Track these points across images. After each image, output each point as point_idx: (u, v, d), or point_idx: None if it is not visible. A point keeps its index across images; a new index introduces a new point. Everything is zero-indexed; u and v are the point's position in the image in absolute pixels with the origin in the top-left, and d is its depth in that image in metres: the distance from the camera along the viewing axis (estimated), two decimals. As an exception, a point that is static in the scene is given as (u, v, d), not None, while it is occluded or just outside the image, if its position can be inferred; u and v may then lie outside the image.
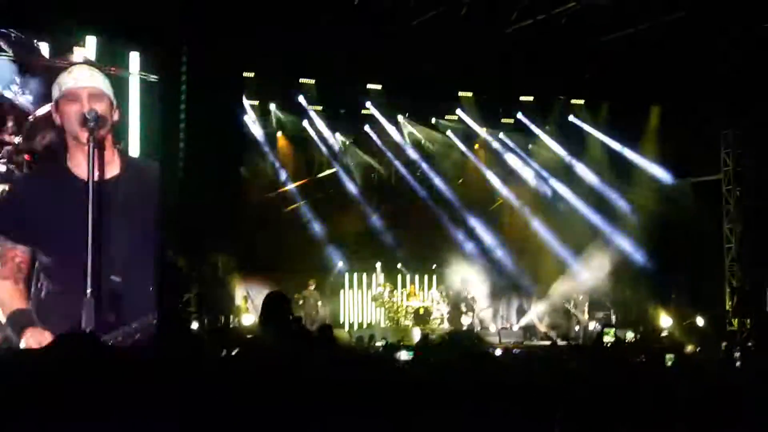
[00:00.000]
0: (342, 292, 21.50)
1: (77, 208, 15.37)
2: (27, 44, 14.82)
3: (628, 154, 21.16)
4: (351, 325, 21.21)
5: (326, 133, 20.90)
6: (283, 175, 20.98)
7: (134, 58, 15.63)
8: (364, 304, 21.78)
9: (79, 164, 16.29)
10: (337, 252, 21.04)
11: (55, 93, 16.15)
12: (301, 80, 19.41)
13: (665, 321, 19.69)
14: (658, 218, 20.57)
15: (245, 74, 17.68)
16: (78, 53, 14.98)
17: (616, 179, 21.96)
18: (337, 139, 21.23)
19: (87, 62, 14.72)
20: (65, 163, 16.09)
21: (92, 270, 14.33)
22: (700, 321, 18.95)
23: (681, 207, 20.84)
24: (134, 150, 15.20)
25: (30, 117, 14.32)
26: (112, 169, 16.88)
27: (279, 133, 20.92)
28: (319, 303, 20.55)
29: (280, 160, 21.02)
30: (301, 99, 19.90)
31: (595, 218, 21.86)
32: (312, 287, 20.43)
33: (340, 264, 21.20)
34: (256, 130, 20.18)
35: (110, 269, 15.49)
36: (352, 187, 21.72)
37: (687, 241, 20.23)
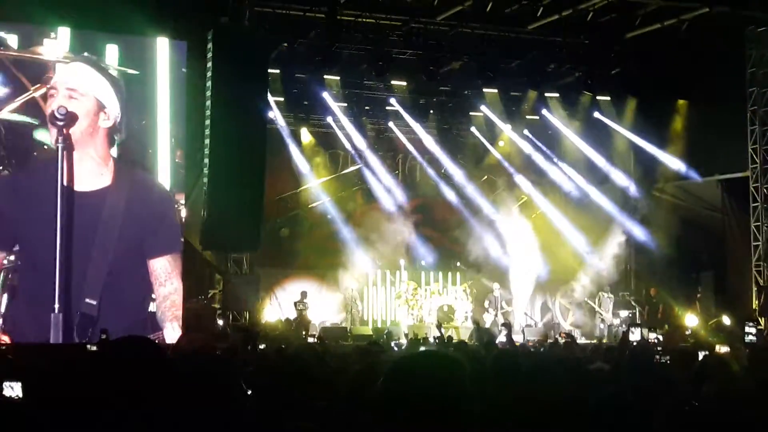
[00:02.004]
0: (366, 289, 21.48)
1: (62, 218, 15.20)
2: None
3: (655, 150, 20.98)
4: (375, 322, 21.20)
5: (351, 129, 20.90)
6: (307, 172, 21.01)
7: (111, 51, 15.00)
8: (387, 301, 21.76)
9: (68, 171, 16.42)
10: (361, 249, 21.02)
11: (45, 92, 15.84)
12: (326, 77, 19.41)
13: (691, 320, 19.53)
14: (684, 215, 20.41)
15: (270, 70, 17.70)
16: (49, 45, 14.51)
17: (641, 176, 21.81)
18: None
19: (83, 59, 14.39)
20: (56, 171, 15.92)
21: (60, 286, 14.40)
22: (726, 320, 18.75)
23: (707, 204, 20.68)
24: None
25: None
26: (104, 179, 17.04)
27: (304, 129, 20.95)
28: (358, 302, 20.74)
29: (305, 156, 21.05)
30: (326, 95, 19.91)
31: (619, 215, 21.73)
32: (353, 288, 20.67)
33: (366, 261, 21.17)
34: (281, 127, 20.23)
35: (86, 291, 15.52)
36: (376, 184, 21.71)
37: (712, 239, 20.06)
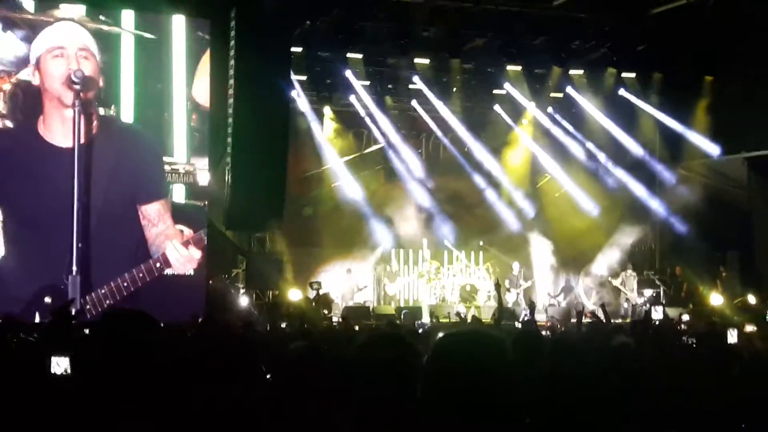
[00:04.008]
0: (389, 268, 21.46)
1: (46, 176, 16.35)
2: None
3: (680, 127, 20.79)
4: (397, 301, 21.21)
5: (374, 108, 20.83)
6: (330, 151, 20.97)
7: (127, 16, 15.15)
8: (410, 280, 21.75)
9: (53, 129, 17.74)
10: (384, 228, 21.00)
11: (38, 49, 17.35)
12: (349, 55, 19.32)
13: (715, 299, 19.39)
14: (709, 193, 20.23)
15: (293, 49, 17.65)
16: (65, 9, 14.59)
17: (667, 154, 21.63)
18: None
19: (76, 19, 14.53)
20: (36, 128, 17.23)
21: (77, 247, 15.03)
22: (751, 299, 18.61)
23: (733, 182, 20.49)
24: (128, 115, 15.06)
25: (12, 78, 14.10)
26: (89, 135, 17.97)
27: (326, 108, 20.90)
28: (386, 279, 21.05)
29: (328, 135, 21.01)
30: (349, 74, 19.84)
31: (644, 193, 21.58)
32: (385, 266, 20.93)
33: (387, 240, 21.15)
34: (304, 105, 20.18)
35: (77, 236, 16.25)
36: (399, 163, 21.65)
37: (738, 217, 19.89)
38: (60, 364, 4.58)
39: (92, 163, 14.20)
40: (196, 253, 15.27)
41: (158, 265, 14.94)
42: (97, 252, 14.36)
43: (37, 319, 13.30)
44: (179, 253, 15.14)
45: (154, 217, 15.06)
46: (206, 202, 15.80)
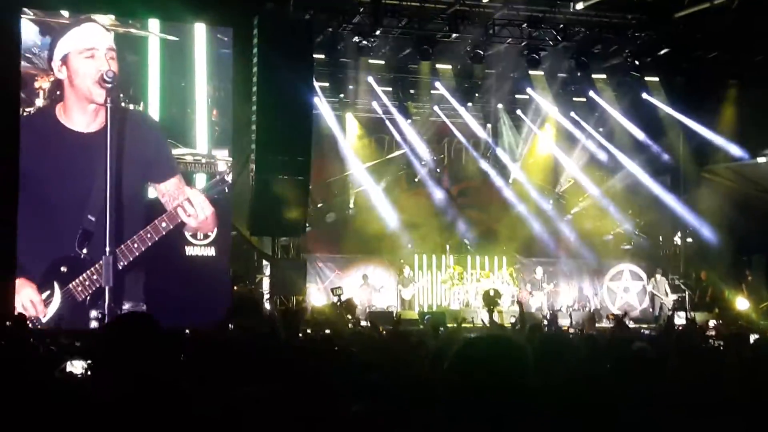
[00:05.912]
0: (412, 273, 21.45)
1: (69, 159, 17.18)
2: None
3: (704, 131, 20.68)
4: (421, 307, 21.20)
5: (396, 113, 20.88)
6: (352, 157, 21.03)
7: (153, 20, 15.86)
8: (434, 286, 21.74)
9: (73, 117, 18.87)
10: (407, 233, 21.00)
11: (67, 47, 18.22)
12: (371, 61, 19.39)
13: (741, 303, 19.27)
14: (734, 197, 20.10)
15: (316, 55, 17.74)
16: (97, 16, 15.29)
17: (691, 157, 21.52)
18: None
19: (108, 24, 15.37)
20: (55, 116, 18.38)
21: (110, 230, 15.84)
22: (777, 303, 18.51)
23: (758, 185, 20.35)
24: (154, 110, 15.78)
25: (51, 77, 14.88)
26: (108, 122, 18.88)
27: (349, 114, 20.96)
28: (412, 285, 20.85)
29: (350, 141, 21.07)
30: (371, 80, 19.90)
31: (669, 198, 21.47)
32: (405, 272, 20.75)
33: (410, 246, 21.16)
34: (326, 112, 20.26)
35: (88, 210, 17.33)
36: (421, 168, 21.67)
37: (763, 221, 19.74)
38: (75, 365, 4.63)
39: (113, 148, 14.77)
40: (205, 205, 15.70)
41: (164, 224, 15.45)
42: (90, 226, 14.94)
43: (57, 296, 14.43)
44: (188, 212, 15.61)
45: (174, 191, 15.61)
46: (227, 189, 16.15)
